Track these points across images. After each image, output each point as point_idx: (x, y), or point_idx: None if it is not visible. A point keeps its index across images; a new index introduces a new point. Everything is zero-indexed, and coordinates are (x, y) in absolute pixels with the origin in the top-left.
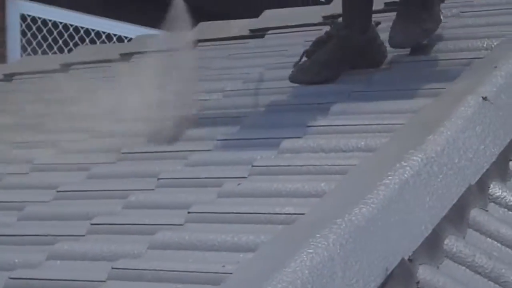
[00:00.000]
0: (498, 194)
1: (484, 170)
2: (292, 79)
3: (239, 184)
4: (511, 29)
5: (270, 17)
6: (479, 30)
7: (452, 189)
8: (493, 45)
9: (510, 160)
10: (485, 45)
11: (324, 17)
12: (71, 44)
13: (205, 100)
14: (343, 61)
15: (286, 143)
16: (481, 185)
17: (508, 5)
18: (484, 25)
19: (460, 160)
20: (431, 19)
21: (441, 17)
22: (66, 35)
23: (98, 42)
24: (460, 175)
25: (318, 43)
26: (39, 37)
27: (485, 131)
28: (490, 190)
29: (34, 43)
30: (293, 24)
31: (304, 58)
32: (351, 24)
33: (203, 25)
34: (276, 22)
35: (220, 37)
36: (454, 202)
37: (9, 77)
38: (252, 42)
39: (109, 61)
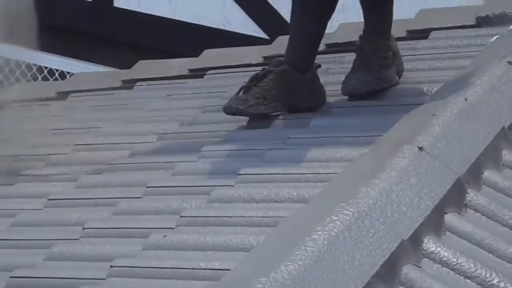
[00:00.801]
0: (432, 249)
1: (418, 224)
2: (227, 110)
3: (165, 236)
4: (451, 74)
5: (210, 56)
6: (420, 75)
7: (384, 244)
8: (433, 91)
9: (445, 213)
10: (425, 91)
11: (264, 57)
12: (11, 78)
13: (137, 143)
14: (279, 98)
15: (217, 192)
16: (415, 240)
17: (450, 48)
18: (425, 69)
19: (393, 213)
20: (388, 68)
21: (402, 67)
22: (7, 70)
23: (39, 77)
24: (393, 230)
25: (255, 79)
26: None
27: (420, 182)
28: (424, 245)
29: None
30: (233, 64)
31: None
32: (291, 62)
33: (141, 63)
34: (216, 62)
35: (158, 77)
36: (385, 259)
37: None
38: (191, 82)
39: (45, 99)
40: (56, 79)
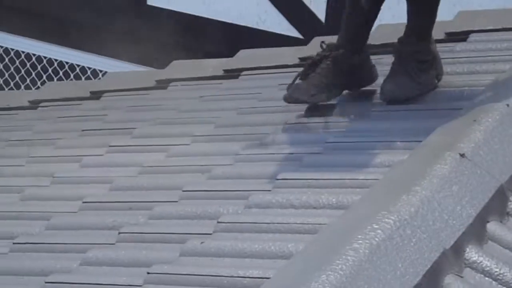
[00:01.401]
0: (474, 258)
1: (460, 233)
2: (288, 99)
3: (202, 242)
4: (491, 78)
5: (245, 57)
6: (460, 79)
7: (426, 254)
8: (473, 96)
9: (488, 222)
10: (465, 95)
11: (301, 59)
12: (44, 76)
13: (172, 145)
14: (336, 82)
15: (254, 197)
16: (457, 249)
17: (489, 52)
18: (464, 73)
19: (434, 222)
20: (428, 72)
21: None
22: (39, 68)
23: (71, 75)
24: (435, 239)
25: (311, 65)
26: (12, 68)
27: (462, 190)
28: (466, 255)
29: (6, 75)
30: (269, 65)
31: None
32: (346, 44)
33: (176, 63)
34: (251, 63)
35: (192, 77)
36: (427, 268)
37: None
38: (226, 83)
39: (80, 99)
40: (88, 77)
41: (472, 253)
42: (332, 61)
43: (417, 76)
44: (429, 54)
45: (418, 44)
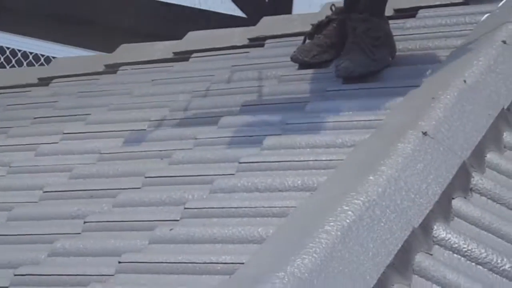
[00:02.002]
0: (442, 236)
1: (428, 211)
2: (293, 59)
3: (171, 229)
4: (444, 54)
5: (194, 39)
6: (413, 55)
7: (396, 233)
8: (428, 72)
9: (453, 198)
10: (419, 72)
11: (250, 39)
12: None
13: (129, 131)
14: (342, 44)
15: (219, 182)
16: (425, 227)
17: (439, 27)
18: (417, 49)
19: (402, 201)
20: (381, 49)
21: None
22: None
23: (25, 63)
24: (404, 218)
25: (319, 26)
26: None
27: (426, 168)
28: (434, 232)
29: None
30: (218, 46)
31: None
32: (352, 7)
33: (124, 46)
34: (201, 45)
35: (142, 60)
36: (398, 248)
37: None
38: (176, 66)
39: (27, 85)
40: (30, 62)
41: (440, 231)
42: (337, 24)
43: (372, 53)
44: (381, 30)
45: (372, 20)
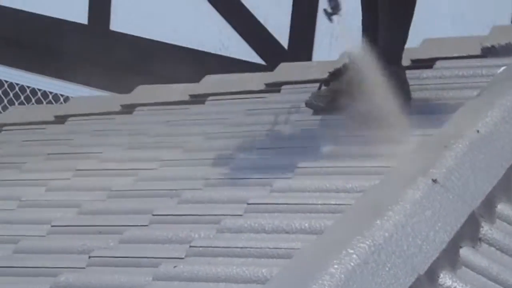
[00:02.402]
0: (448, 284)
1: (434, 258)
2: (308, 104)
3: (175, 266)
4: (458, 104)
5: (211, 82)
6: (427, 105)
7: (401, 279)
8: (442, 122)
9: (460, 247)
10: (433, 122)
11: (267, 85)
12: (5, 100)
13: (141, 169)
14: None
15: (226, 222)
16: (431, 274)
17: (455, 78)
18: (432, 99)
19: (409, 247)
20: (399, 98)
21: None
22: (0, 92)
23: (33, 100)
24: (409, 264)
25: (336, 73)
26: None
27: (434, 216)
28: (440, 280)
29: None
30: (235, 91)
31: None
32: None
33: (141, 88)
34: (217, 88)
35: (158, 102)
36: None
37: None
38: (192, 108)
39: (44, 123)
40: (50, 102)
41: (446, 279)
42: (354, 71)
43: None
44: (399, 78)
45: (388, 68)
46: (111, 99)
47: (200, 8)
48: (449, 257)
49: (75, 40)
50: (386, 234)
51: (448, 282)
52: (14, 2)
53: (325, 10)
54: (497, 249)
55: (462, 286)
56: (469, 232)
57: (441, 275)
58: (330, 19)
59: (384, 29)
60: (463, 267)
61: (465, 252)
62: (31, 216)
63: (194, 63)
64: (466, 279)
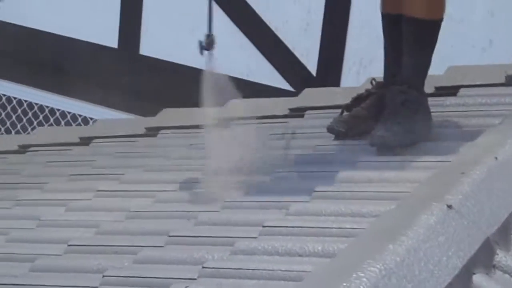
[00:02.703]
0: None
1: (446, 284)
2: (329, 129)
3: (186, 287)
4: (480, 132)
5: (236, 106)
6: (449, 132)
7: None
8: (462, 149)
9: (474, 274)
10: (453, 149)
11: (291, 109)
12: (35, 122)
13: (160, 191)
14: (377, 117)
15: (240, 244)
16: None
17: (479, 106)
18: (455, 126)
19: (420, 272)
20: (418, 124)
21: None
22: (30, 114)
23: (62, 122)
24: None
25: (358, 99)
26: (3, 114)
27: (448, 241)
28: None
29: None
30: (259, 115)
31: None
32: (390, 83)
33: (166, 111)
34: (242, 112)
35: (183, 125)
36: None
37: None
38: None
39: (69, 144)
40: (79, 125)
41: None
42: (377, 98)
43: (408, 124)
44: (420, 104)
45: (411, 93)
46: (136, 122)
47: (228, 33)
48: (461, 283)
49: (105, 64)
50: (398, 259)
51: None
52: (50, 26)
53: (200, 42)
54: (511, 276)
55: None
56: (483, 258)
57: None
58: (201, 52)
59: (407, 56)
60: None
61: (479, 278)
62: (49, 235)
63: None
64: None
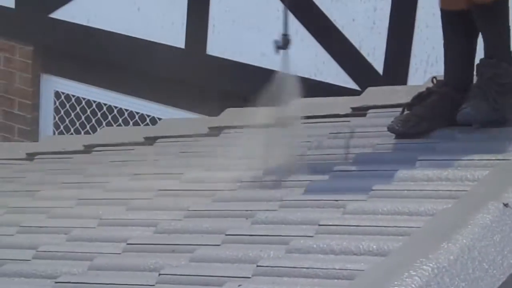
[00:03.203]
0: None
1: (500, 283)
2: (390, 129)
3: (240, 285)
4: None
5: (299, 106)
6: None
7: None
8: None
9: None
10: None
11: (353, 109)
12: (104, 123)
13: (219, 190)
14: (441, 116)
15: (295, 242)
16: None
17: None
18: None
19: (474, 271)
20: (505, 99)
21: None
22: (99, 114)
23: (131, 122)
24: None
25: (419, 97)
26: (73, 115)
27: (504, 240)
28: None
29: (67, 121)
30: (320, 114)
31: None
32: (450, 81)
33: (229, 111)
34: (305, 112)
35: (245, 124)
36: None
37: (31, 156)
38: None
39: (133, 144)
40: (147, 124)
41: None
42: (437, 97)
43: (494, 101)
44: (508, 77)
45: (500, 66)
46: (199, 122)
47: (294, 32)
48: None
49: (172, 64)
50: (451, 257)
51: None
52: (116, 27)
53: (275, 42)
54: None
55: None
56: None
57: None
58: (277, 51)
59: (486, 34)
60: None
61: None
62: (109, 234)
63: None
64: None
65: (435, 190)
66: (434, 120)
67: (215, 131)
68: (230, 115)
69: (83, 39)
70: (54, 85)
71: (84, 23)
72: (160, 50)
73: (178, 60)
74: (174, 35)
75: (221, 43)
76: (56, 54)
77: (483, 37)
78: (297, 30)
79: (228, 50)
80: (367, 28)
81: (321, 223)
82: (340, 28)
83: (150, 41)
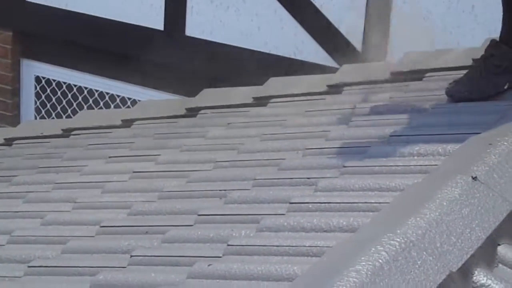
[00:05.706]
0: (482, 281)
1: (468, 255)
2: (448, 93)
3: (210, 265)
4: None
5: (274, 84)
6: (479, 104)
7: (431, 276)
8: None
9: (498, 244)
10: (486, 121)
11: (329, 86)
12: (85, 106)
13: (194, 171)
14: (496, 79)
15: (266, 221)
16: (464, 272)
17: None
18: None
19: (442, 244)
20: (498, 76)
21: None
22: (80, 98)
23: (112, 105)
24: (441, 261)
25: (478, 60)
26: (54, 99)
27: (472, 213)
28: (474, 278)
29: (48, 105)
30: (297, 92)
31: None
32: (508, 41)
33: (206, 91)
34: (280, 90)
35: (222, 105)
36: None
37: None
38: (254, 110)
39: (111, 127)
40: (128, 107)
41: (480, 276)
42: (496, 58)
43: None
44: (506, 59)
45: (500, 48)
46: (176, 103)
47: (274, 13)
48: (485, 255)
49: (151, 46)
50: (419, 232)
51: (483, 279)
52: (92, 9)
53: None
54: None
55: (497, 284)
56: (508, 229)
57: (476, 273)
58: None
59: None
60: (500, 265)
61: (503, 249)
62: (83, 217)
63: (268, 68)
64: (503, 276)
65: (407, 166)
66: (493, 82)
67: (193, 112)
68: (207, 95)
69: (62, 23)
70: (34, 70)
71: (63, 7)
72: (139, 32)
73: (158, 42)
74: (153, 16)
75: (200, 24)
76: (36, 39)
77: (503, 20)
78: (276, 10)
79: (207, 31)
80: (345, 6)
81: (292, 201)
82: (318, 6)
83: (129, 24)
